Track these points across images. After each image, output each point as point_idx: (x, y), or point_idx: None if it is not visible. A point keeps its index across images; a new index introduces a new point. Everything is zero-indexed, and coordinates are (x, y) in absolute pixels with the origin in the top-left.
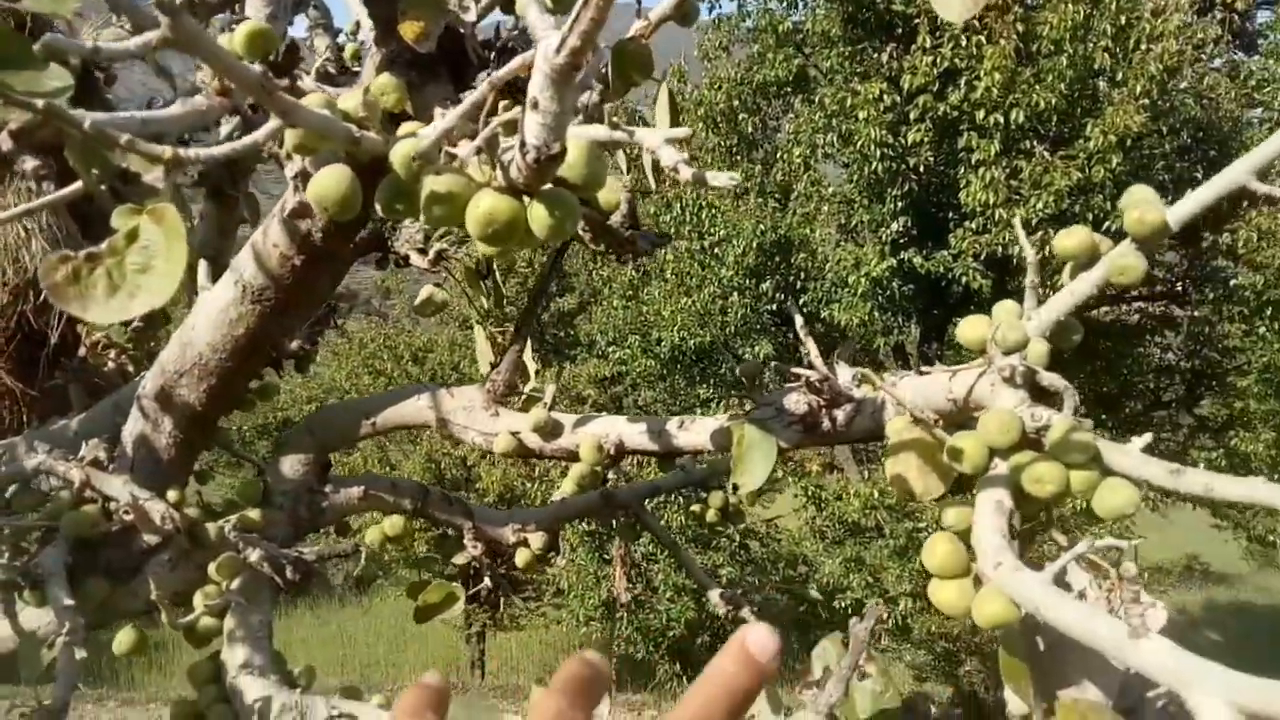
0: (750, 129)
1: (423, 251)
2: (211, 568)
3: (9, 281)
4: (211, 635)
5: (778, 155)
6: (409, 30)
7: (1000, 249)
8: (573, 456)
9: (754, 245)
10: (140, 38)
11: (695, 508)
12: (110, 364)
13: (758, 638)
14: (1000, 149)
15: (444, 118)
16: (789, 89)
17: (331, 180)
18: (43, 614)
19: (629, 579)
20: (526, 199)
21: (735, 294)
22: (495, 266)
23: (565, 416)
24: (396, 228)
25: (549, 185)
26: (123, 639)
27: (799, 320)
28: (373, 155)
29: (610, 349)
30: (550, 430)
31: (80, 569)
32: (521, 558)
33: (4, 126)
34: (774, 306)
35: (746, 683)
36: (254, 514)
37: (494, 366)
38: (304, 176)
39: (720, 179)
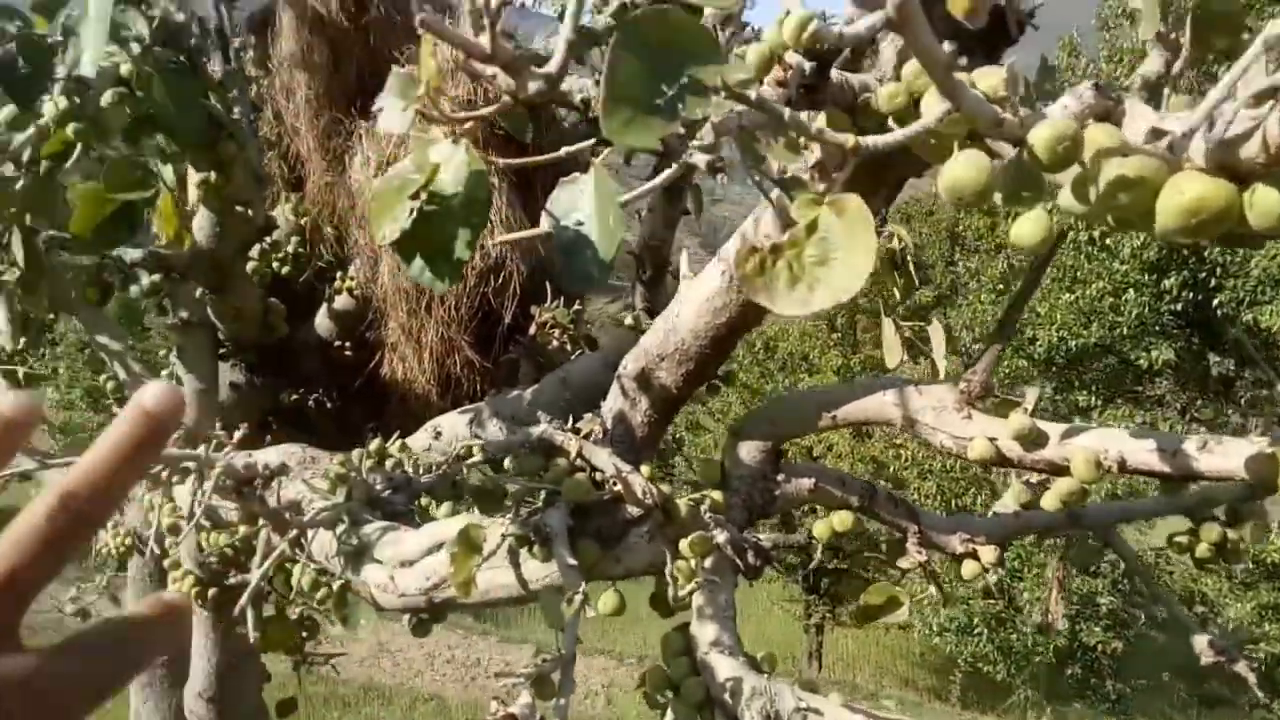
0: None
1: None
2: (684, 544)
3: (476, 266)
4: (677, 608)
5: None
6: (958, 5)
7: None
8: (1057, 470)
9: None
10: (869, 19)
11: (1180, 538)
12: (554, 342)
13: (154, 393)
14: None
15: (1078, 98)
16: None
17: (970, 168)
18: (540, 568)
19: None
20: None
21: (1130, 290)
22: (909, 257)
23: (1050, 425)
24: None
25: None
26: (607, 600)
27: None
28: (1013, 138)
29: (976, 346)
30: (1034, 439)
31: (574, 531)
32: (969, 569)
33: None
34: (1178, 306)
35: (142, 435)
36: (717, 495)
37: (968, 366)
38: (820, 168)
39: None
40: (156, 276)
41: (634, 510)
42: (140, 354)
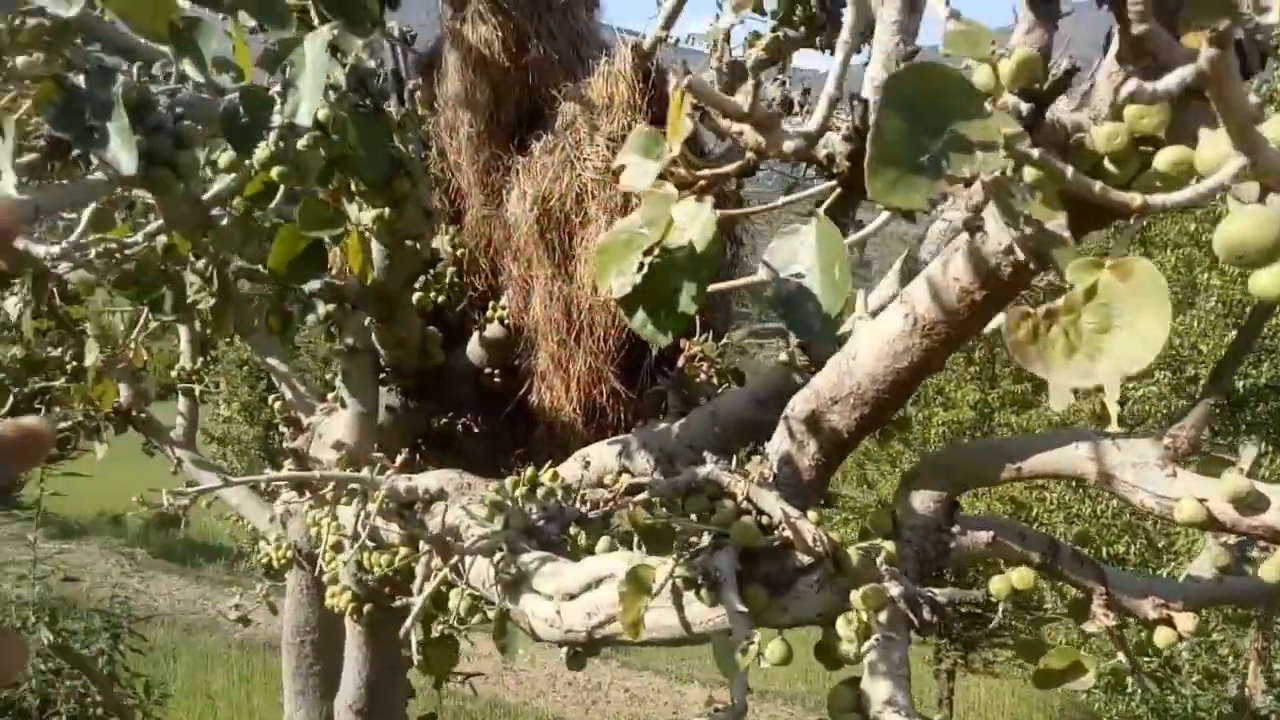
0: None
1: None
2: (856, 596)
3: None
4: (845, 661)
5: None
6: (1193, 40)
7: None
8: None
9: None
10: (1180, 73)
11: None
12: (701, 375)
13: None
14: None
15: None
16: None
17: (1258, 226)
18: (703, 611)
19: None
20: None
21: None
22: None
23: (1270, 488)
24: None
25: None
26: (775, 650)
27: None
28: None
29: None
30: (1252, 503)
31: (742, 576)
32: (1163, 637)
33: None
34: None
35: None
36: (889, 546)
37: (1172, 420)
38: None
39: None
40: (331, 306)
41: (803, 558)
42: (303, 376)
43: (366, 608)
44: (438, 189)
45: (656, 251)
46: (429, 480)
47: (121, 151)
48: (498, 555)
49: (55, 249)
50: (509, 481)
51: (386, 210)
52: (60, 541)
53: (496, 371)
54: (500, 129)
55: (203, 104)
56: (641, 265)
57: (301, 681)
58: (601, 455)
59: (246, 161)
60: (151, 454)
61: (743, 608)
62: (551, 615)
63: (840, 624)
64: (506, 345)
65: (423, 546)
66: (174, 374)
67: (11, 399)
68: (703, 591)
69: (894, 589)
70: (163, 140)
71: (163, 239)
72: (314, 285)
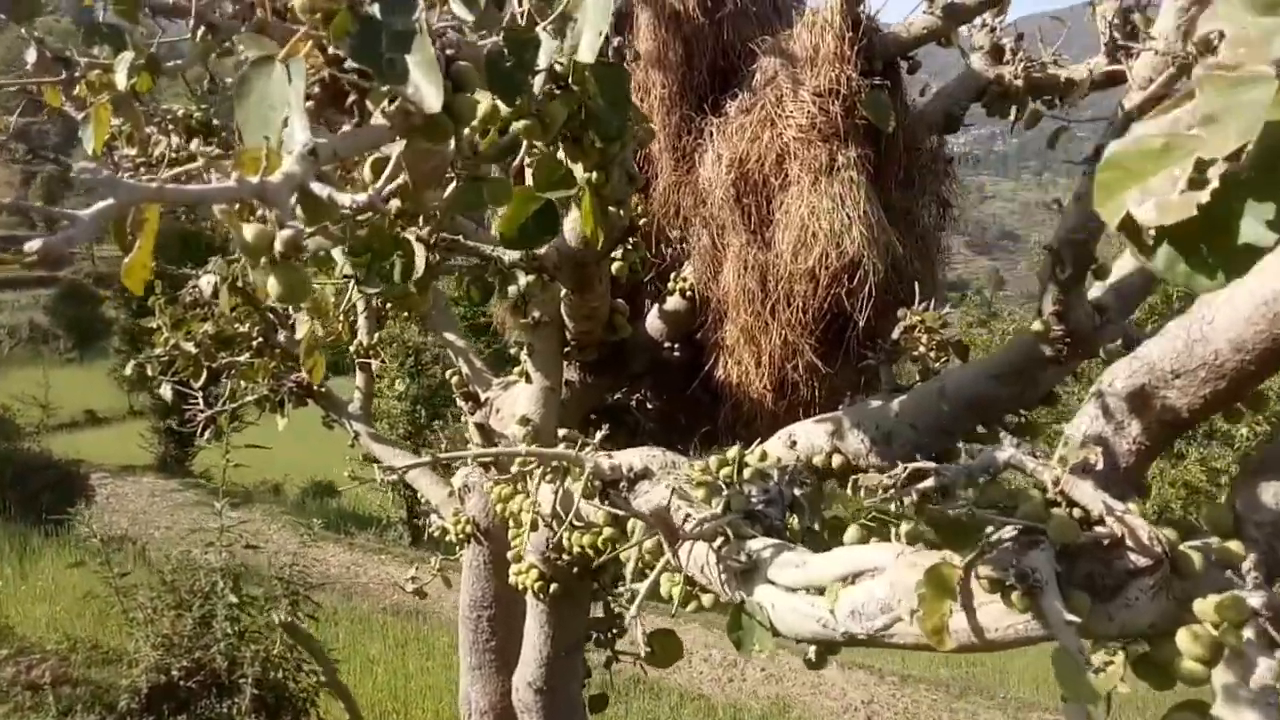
0: None
1: None
2: (1203, 605)
3: (829, 265)
4: (1185, 681)
5: None
6: None
7: None
8: None
9: None
10: None
11: None
12: (920, 348)
13: None
14: None
15: None
16: None
17: None
18: (1001, 615)
19: None
20: None
21: None
22: None
23: None
24: None
25: None
26: (1111, 676)
27: None
28: None
29: None
30: None
31: (1060, 579)
32: None
33: None
34: None
35: None
36: (1234, 546)
37: None
38: None
39: None
40: (532, 277)
41: (1137, 560)
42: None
43: (553, 586)
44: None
45: (1219, 161)
46: (633, 458)
47: (425, 84)
48: (718, 540)
49: (361, 198)
50: (713, 460)
51: (594, 174)
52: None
53: (676, 345)
54: (692, 90)
55: (468, 46)
56: (1200, 181)
57: (478, 656)
58: (809, 434)
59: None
60: (330, 427)
61: (1071, 616)
62: (802, 610)
63: (1183, 638)
64: (687, 317)
65: (635, 527)
66: (352, 349)
67: (205, 373)
68: (1013, 595)
69: (1254, 599)
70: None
71: (396, 201)
72: (514, 255)
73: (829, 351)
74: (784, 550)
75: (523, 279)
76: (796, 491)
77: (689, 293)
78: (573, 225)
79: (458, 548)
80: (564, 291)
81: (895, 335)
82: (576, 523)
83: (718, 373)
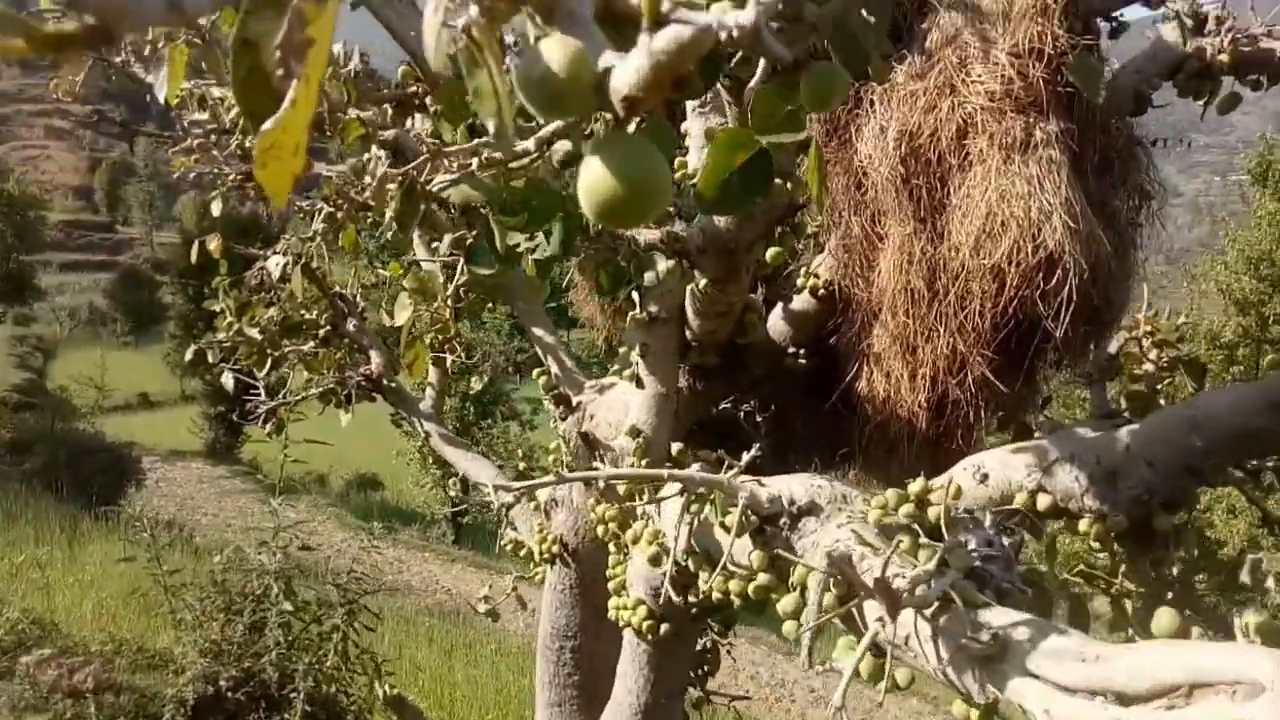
0: None
1: None
2: None
3: (1020, 260)
4: None
5: None
6: None
7: None
8: None
9: None
10: None
11: None
12: (1149, 365)
13: None
14: None
15: None
16: None
17: None
18: None
19: None
20: None
21: None
22: None
23: None
24: None
25: None
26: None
27: None
28: None
29: None
30: None
31: None
32: None
33: None
34: None
35: None
36: None
37: None
38: None
39: None
40: (672, 262)
41: None
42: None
43: (663, 627)
44: None
45: None
46: (794, 488)
47: None
48: (932, 610)
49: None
50: (891, 495)
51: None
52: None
53: (800, 351)
54: None
55: None
56: None
57: (558, 692)
58: (1004, 466)
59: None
60: (399, 424)
61: None
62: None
63: None
64: (817, 320)
65: (813, 581)
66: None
67: (269, 362)
68: None
69: None
70: None
71: (567, 144)
72: (652, 235)
73: (1006, 366)
74: (1049, 632)
75: (661, 264)
76: (1006, 541)
77: (821, 290)
78: None
79: (530, 565)
80: (700, 283)
81: (1113, 349)
82: (733, 566)
83: (859, 385)
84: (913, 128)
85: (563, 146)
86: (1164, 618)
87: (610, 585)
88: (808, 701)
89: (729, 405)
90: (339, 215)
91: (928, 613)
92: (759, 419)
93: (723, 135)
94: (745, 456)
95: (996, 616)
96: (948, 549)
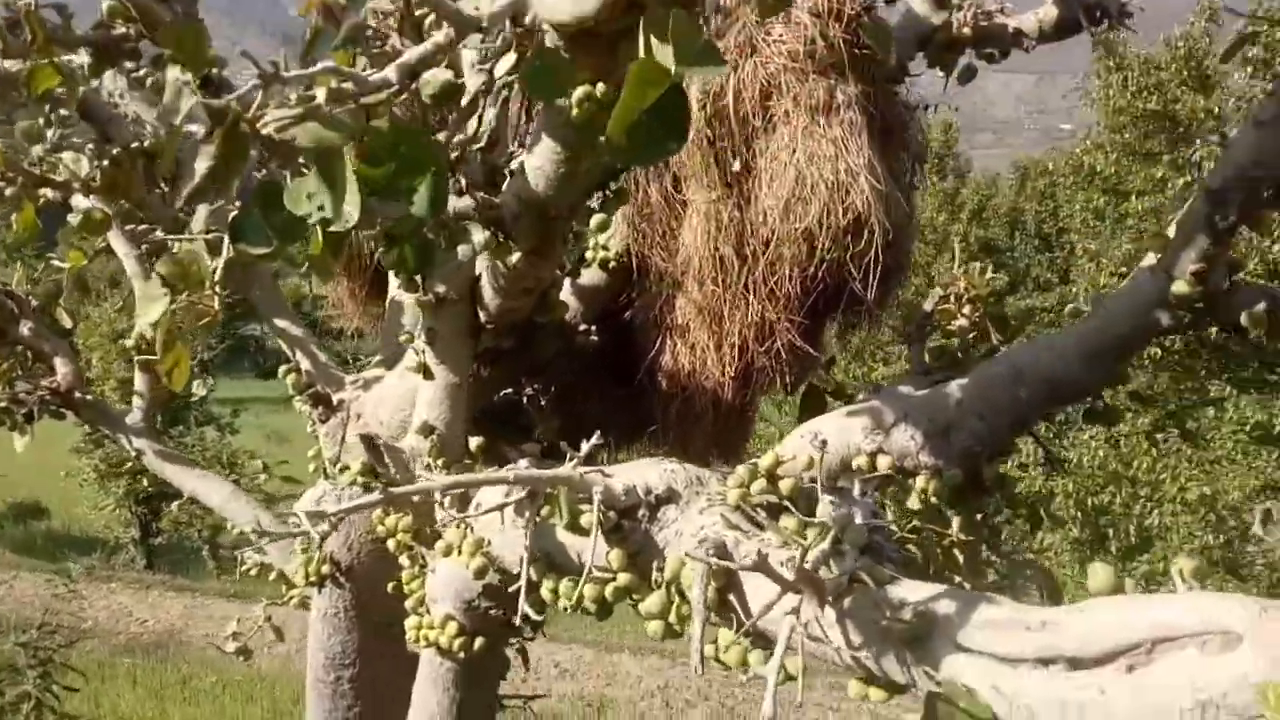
0: None
1: None
2: None
3: (829, 223)
4: None
5: None
6: None
7: None
8: None
9: None
10: None
11: None
12: (963, 321)
13: None
14: None
15: None
16: None
17: None
18: None
19: None
20: None
21: None
22: None
23: None
24: None
25: None
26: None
27: None
28: None
29: None
30: None
31: None
32: None
33: None
34: None
35: None
36: None
37: None
38: None
39: None
40: (487, 234)
41: None
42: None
43: (477, 642)
44: None
45: None
46: (648, 476)
47: None
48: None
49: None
50: (743, 472)
51: (597, 87)
52: None
53: (594, 328)
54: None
55: None
56: None
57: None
58: (842, 431)
59: None
60: (101, 443)
61: None
62: (1067, 697)
63: None
64: (609, 293)
65: (694, 575)
66: (129, 344)
67: None
68: None
69: None
70: None
71: (445, 74)
72: (464, 203)
73: (811, 330)
74: (976, 602)
75: (477, 235)
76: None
77: (612, 263)
78: (538, 163)
79: (285, 590)
80: (512, 257)
81: (929, 307)
82: (597, 570)
83: (663, 359)
84: (715, 89)
85: (437, 77)
86: (1100, 574)
87: (407, 604)
88: (554, 676)
89: (511, 391)
90: (8, 192)
91: (830, 596)
92: (542, 402)
93: (634, 69)
94: (585, 446)
95: (909, 591)
96: (840, 525)
